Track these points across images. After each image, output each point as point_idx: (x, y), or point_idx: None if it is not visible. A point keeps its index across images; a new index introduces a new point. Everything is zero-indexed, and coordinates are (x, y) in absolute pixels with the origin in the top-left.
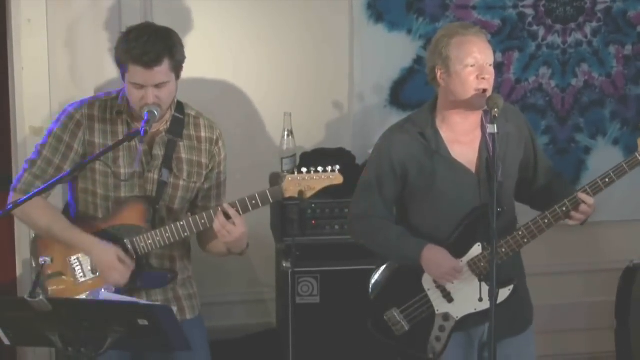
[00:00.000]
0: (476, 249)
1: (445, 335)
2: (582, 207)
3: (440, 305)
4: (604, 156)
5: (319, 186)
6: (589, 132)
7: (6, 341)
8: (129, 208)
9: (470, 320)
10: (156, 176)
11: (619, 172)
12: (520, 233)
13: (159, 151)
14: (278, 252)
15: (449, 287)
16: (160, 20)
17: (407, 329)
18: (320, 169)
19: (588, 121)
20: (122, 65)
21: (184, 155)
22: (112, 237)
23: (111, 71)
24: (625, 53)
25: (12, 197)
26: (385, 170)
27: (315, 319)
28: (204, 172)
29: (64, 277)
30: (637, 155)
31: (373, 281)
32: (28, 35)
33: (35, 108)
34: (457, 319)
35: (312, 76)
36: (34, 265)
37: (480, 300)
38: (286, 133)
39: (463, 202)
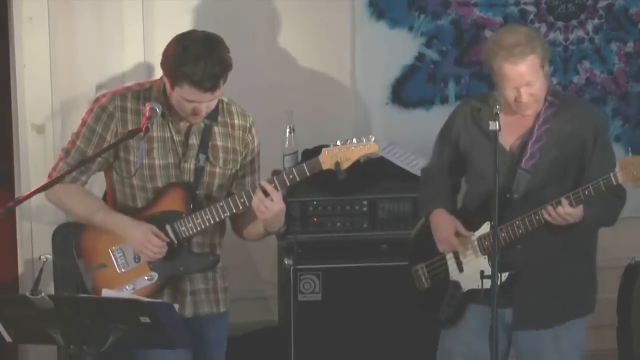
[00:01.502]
0: (485, 227)
1: (455, 303)
2: (559, 209)
3: (454, 273)
4: None
5: (354, 157)
6: None
7: (8, 339)
8: (169, 194)
9: (477, 297)
10: (193, 166)
11: (597, 189)
12: (517, 223)
13: (195, 140)
14: (280, 249)
15: (461, 256)
16: (161, 17)
17: (426, 286)
18: (355, 140)
19: None
20: (175, 80)
21: (219, 143)
22: (154, 224)
23: (113, 69)
24: (627, 50)
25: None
26: (446, 135)
27: (317, 317)
28: (239, 159)
29: (107, 268)
30: (612, 177)
31: (416, 230)
32: (30, 33)
33: (37, 106)
34: (464, 291)
35: (314, 74)
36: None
37: (482, 276)
38: (288, 130)
39: (492, 180)
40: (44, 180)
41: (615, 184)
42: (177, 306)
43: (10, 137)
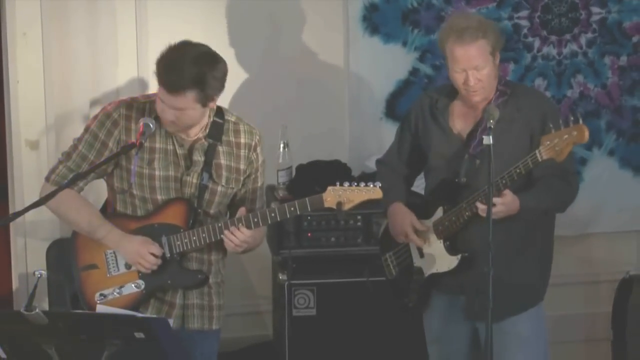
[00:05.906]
0: (439, 212)
1: (419, 289)
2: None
3: (415, 258)
4: (599, 167)
5: (357, 199)
6: (584, 144)
7: (2, 355)
8: (172, 208)
9: (439, 282)
10: (195, 180)
11: (526, 167)
12: (463, 205)
13: (199, 157)
14: (274, 264)
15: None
16: (155, 35)
17: (394, 273)
18: (362, 183)
19: None
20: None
21: (223, 162)
22: (150, 234)
23: (107, 84)
24: (620, 64)
25: (43, 187)
26: (405, 126)
27: (311, 332)
28: (242, 178)
29: (97, 269)
30: (537, 153)
31: (385, 222)
32: (23, 49)
33: (31, 121)
34: (426, 276)
35: (307, 88)
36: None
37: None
38: (282, 145)
39: (449, 168)
40: (38, 196)
41: (540, 159)
42: (171, 321)
43: (4, 153)
